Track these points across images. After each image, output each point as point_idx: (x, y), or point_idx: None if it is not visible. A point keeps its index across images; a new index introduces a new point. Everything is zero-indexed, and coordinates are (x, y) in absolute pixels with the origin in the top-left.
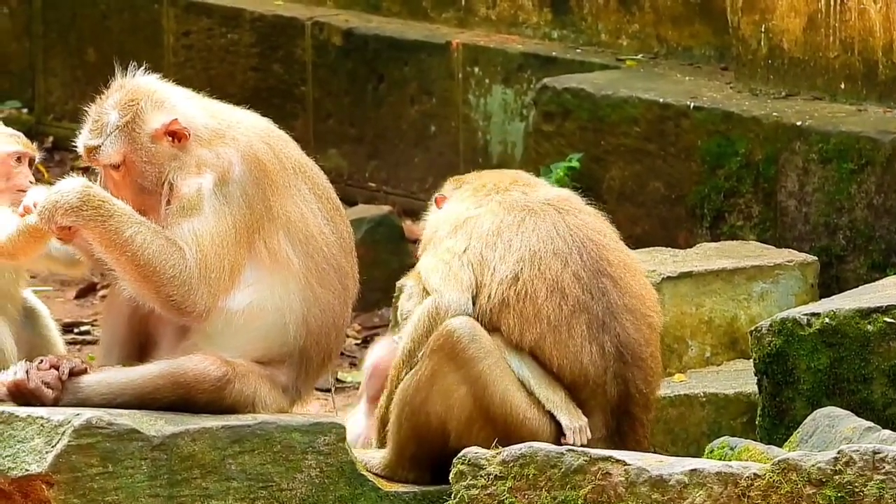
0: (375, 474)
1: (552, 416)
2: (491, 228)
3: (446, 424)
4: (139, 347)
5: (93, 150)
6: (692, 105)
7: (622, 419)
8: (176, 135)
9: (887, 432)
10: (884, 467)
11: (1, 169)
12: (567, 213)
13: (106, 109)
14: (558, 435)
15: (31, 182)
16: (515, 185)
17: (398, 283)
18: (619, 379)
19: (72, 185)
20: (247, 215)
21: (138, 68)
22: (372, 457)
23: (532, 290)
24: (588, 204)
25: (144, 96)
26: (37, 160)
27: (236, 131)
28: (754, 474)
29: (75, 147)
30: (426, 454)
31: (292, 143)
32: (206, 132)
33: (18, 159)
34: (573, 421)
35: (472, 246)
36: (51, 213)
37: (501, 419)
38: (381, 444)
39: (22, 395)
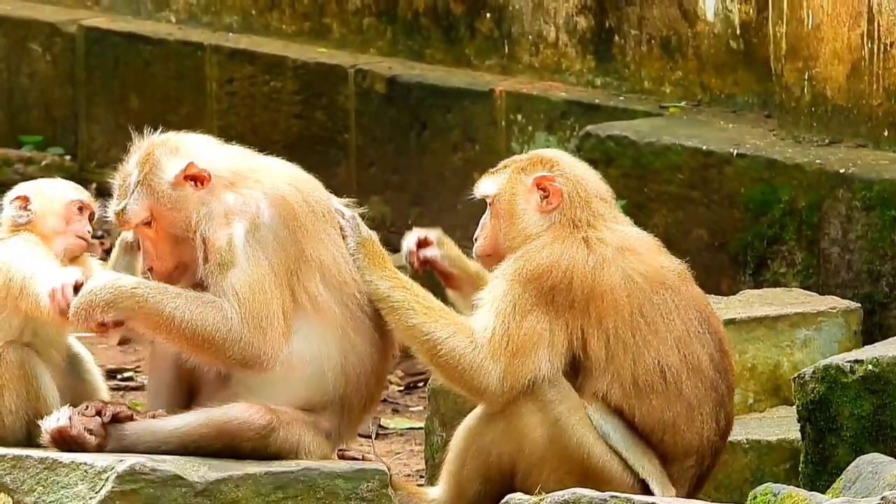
0: None
1: (631, 471)
2: (631, 305)
3: (516, 464)
4: (186, 394)
5: (121, 214)
6: (735, 152)
7: (697, 484)
8: (196, 178)
9: None
10: None
11: (63, 212)
12: (688, 281)
13: (126, 171)
14: (634, 484)
15: (88, 231)
16: (633, 246)
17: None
18: (715, 451)
19: (101, 282)
20: (282, 257)
21: (158, 130)
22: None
23: (677, 375)
24: None
25: (159, 146)
26: (96, 217)
27: (260, 174)
28: None
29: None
30: (488, 496)
31: (320, 188)
32: (229, 174)
33: (80, 209)
34: (665, 491)
35: (607, 325)
36: (87, 312)
37: (578, 462)
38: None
39: (65, 441)
